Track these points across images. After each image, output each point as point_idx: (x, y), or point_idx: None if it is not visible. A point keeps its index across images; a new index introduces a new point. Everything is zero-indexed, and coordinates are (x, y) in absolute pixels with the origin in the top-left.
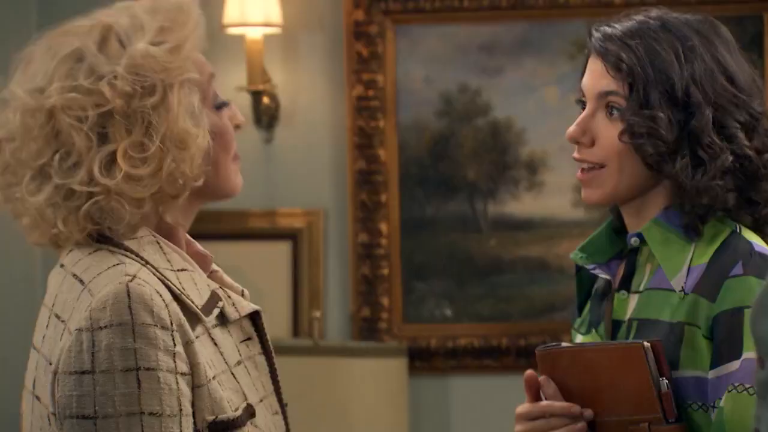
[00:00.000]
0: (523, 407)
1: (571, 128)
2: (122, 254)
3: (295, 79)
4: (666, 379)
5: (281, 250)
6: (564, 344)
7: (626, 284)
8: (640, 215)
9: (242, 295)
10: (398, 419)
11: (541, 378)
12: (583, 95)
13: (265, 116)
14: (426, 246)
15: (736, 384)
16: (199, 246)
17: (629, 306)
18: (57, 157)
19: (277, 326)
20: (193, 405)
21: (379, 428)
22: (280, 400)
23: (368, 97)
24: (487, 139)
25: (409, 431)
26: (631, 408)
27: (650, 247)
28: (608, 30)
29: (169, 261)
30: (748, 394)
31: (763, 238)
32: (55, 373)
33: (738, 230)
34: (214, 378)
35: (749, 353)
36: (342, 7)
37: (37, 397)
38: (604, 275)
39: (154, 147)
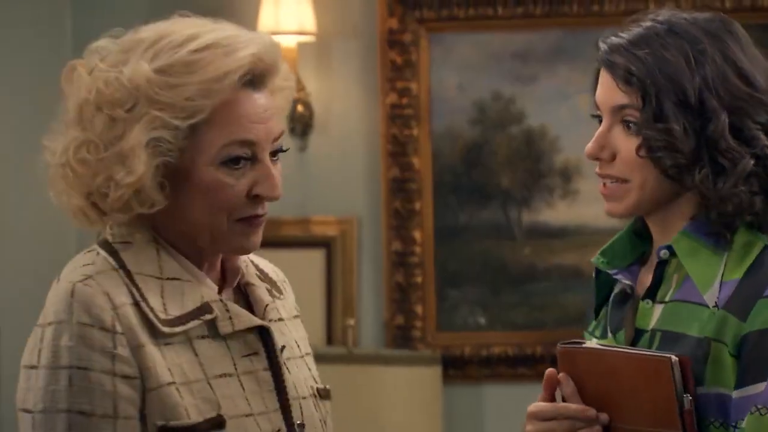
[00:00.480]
0: (536, 406)
1: (589, 145)
2: (104, 257)
3: (328, 87)
4: (690, 395)
5: (315, 258)
6: (587, 344)
7: (652, 294)
8: (665, 225)
9: (265, 309)
10: (432, 428)
11: (561, 375)
12: (598, 109)
13: (299, 124)
14: (460, 254)
15: (760, 406)
16: (235, 261)
17: (653, 316)
18: (66, 120)
19: (311, 334)
20: (144, 408)
21: None
22: (287, 418)
23: (402, 105)
24: (521, 147)
25: None
26: (650, 420)
27: (681, 261)
28: (615, 41)
29: (160, 268)
30: None
31: None
32: None
33: None
34: (171, 384)
35: None
36: (376, 15)
37: None
38: (626, 281)
39: (104, 155)
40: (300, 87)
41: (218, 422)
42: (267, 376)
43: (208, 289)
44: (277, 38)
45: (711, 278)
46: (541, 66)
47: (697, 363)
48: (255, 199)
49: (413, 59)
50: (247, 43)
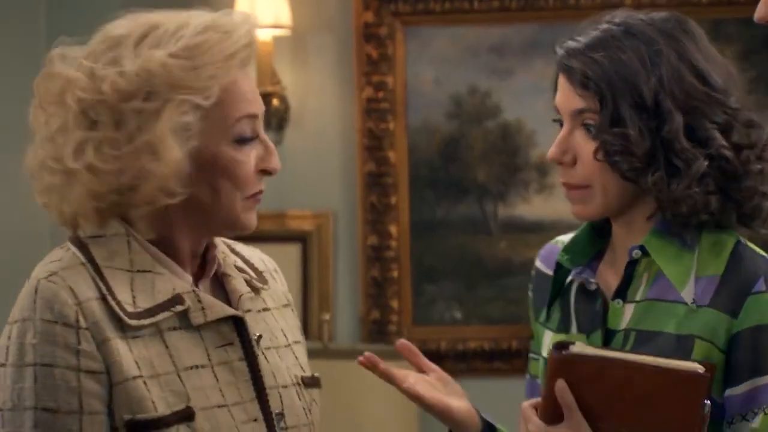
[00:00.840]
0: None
1: (551, 149)
2: (73, 252)
3: (304, 81)
4: (708, 401)
5: (291, 252)
6: (585, 350)
7: (622, 293)
8: (630, 225)
9: (238, 300)
10: (408, 423)
11: (560, 384)
12: (559, 113)
13: (275, 118)
14: (436, 248)
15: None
16: (213, 251)
17: (624, 316)
18: (56, 126)
19: None
20: (111, 403)
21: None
22: (264, 407)
23: (378, 99)
24: (497, 141)
25: None
26: (667, 428)
27: (655, 260)
28: (572, 45)
29: (131, 261)
30: None
31: (751, 233)
32: None
33: (743, 241)
34: (137, 377)
35: None
36: (352, 9)
37: None
38: (591, 279)
39: (128, 149)
40: (276, 81)
41: (187, 414)
42: (242, 366)
43: (181, 281)
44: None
45: (685, 275)
46: (517, 60)
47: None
48: (260, 174)
49: (389, 53)
50: (238, 25)
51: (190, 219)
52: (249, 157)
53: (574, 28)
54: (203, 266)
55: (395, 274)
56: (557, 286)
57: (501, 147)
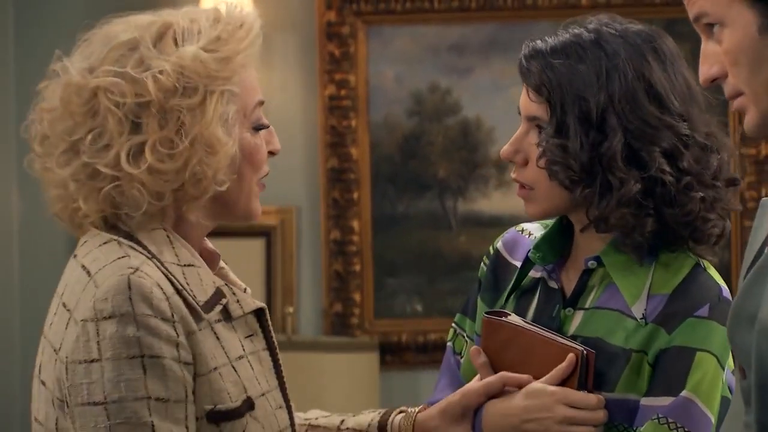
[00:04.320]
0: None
1: (505, 147)
2: (129, 246)
3: (268, 79)
4: (587, 391)
5: (255, 246)
6: (511, 318)
7: (574, 301)
8: (589, 233)
9: (245, 291)
10: None
11: (474, 348)
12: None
13: None
14: (397, 243)
15: (661, 416)
16: (209, 244)
17: (573, 323)
18: (90, 136)
19: None
20: (194, 393)
21: None
22: (285, 395)
23: (340, 96)
24: (457, 138)
25: None
26: None
27: (610, 273)
28: (537, 46)
29: (177, 255)
30: (669, 429)
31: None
32: (58, 360)
33: (702, 265)
34: (215, 369)
35: (688, 393)
36: (314, 9)
37: (43, 382)
38: (554, 284)
39: (183, 146)
40: None
41: (250, 404)
42: (266, 355)
43: (212, 274)
44: None
45: (638, 291)
46: (476, 58)
47: (615, 369)
48: (268, 156)
49: (351, 51)
50: (244, 16)
51: (206, 210)
52: (263, 141)
53: (532, 27)
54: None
55: (357, 267)
56: (520, 279)
57: (461, 143)
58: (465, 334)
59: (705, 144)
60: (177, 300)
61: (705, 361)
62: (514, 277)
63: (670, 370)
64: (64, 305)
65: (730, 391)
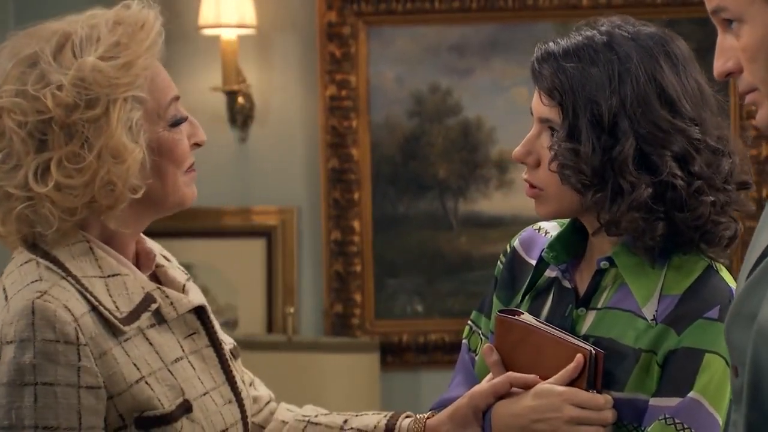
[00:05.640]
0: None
1: (517, 149)
2: (46, 266)
3: (269, 79)
4: (596, 391)
5: (256, 247)
6: (524, 316)
7: (586, 301)
8: (602, 233)
9: (183, 289)
10: None
11: (486, 346)
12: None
13: (240, 116)
14: (398, 243)
15: (668, 416)
16: (147, 243)
17: (585, 323)
18: (0, 156)
19: (252, 322)
20: (116, 408)
21: None
22: (234, 389)
23: (341, 97)
24: (458, 139)
25: None
26: None
27: (622, 273)
28: (549, 48)
29: (99, 267)
30: (675, 429)
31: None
32: None
33: (714, 267)
34: (139, 381)
35: (695, 394)
36: (315, 9)
37: None
38: (568, 284)
39: (90, 159)
40: (241, 79)
41: (186, 407)
42: (210, 352)
43: (142, 279)
44: (218, 31)
45: (650, 292)
46: (477, 59)
47: (625, 369)
48: (192, 148)
49: (352, 52)
50: (144, 16)
51: (134, 210)
52: (183, 135)
53: (532, 28)
54: (136, 261)
55: (358, 268)
56: (536, 278)
57: (461, 144)
58: (480, 332)
59: (716, 148)
60: (88, 320)
61: (713, 362)
62: (530, 277)
63: (678, 371)
64: None
65: None
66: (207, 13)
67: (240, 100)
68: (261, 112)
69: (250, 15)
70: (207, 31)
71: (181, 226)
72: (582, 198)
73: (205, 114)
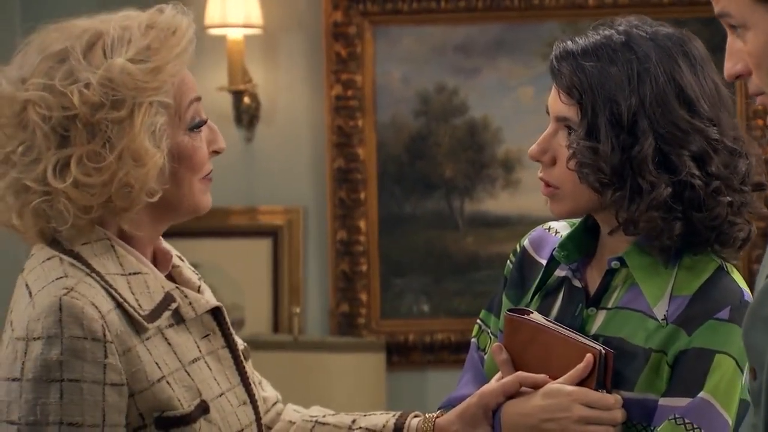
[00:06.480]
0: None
1: (533, 147)
2: (70, 263)
3: (275, 79)
4: (606, 391)
5: (262, 247)
6: (534, 315)
7: (597, 301)
8: (614, 233)
9: (198, 290)
10: None
11: (495, 345)
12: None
13: (246, 115)
14: (404, 243)
15: (678, 416)
16: (163, 244)
17: (595, 322)
18: (20, 149)
19: (258, 322)
20: (137, 407)
21: None
22: (248, 390)
23: (347, 96)
24: (464, 138)
25: None
26: None
27: (633, 273)
28: (568, 47)
29: (121, 265)
30: (685, 429)
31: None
32: None
33: (725, 268)
34: (161, 380)
35: (706, 395)
36: (321, 9)
37: None
38: (578, 282)
39: (110, 159)
40: (247, 79)
41: (204, 408)
42: (225, 353)
43: (162, 278)
44: (224, 31)
45: (661, 292)
46: (483, 58)
47: (635, 369)
48: (211, 155)
49: (358, 52)
50: (178, 21)
51: (150, 213)
52: (202, 141)
53: (538, 27)
54: (154, 262)
55: (364, 268)
56: (546, 277)
57: (467, 143)
58: (489, 331)
59: (733, 148)
60: (114, 317)
61: (724, 363)
62: (540, 276)
63: (688, 371)
64: (11, 323)
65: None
66: (213, 13)
67: (246, 99)
68: (267, 112)
69: (256, 15)
70: (213, 31)
71: (187, 225)
72: (599, 197)
73: (211, 114)
